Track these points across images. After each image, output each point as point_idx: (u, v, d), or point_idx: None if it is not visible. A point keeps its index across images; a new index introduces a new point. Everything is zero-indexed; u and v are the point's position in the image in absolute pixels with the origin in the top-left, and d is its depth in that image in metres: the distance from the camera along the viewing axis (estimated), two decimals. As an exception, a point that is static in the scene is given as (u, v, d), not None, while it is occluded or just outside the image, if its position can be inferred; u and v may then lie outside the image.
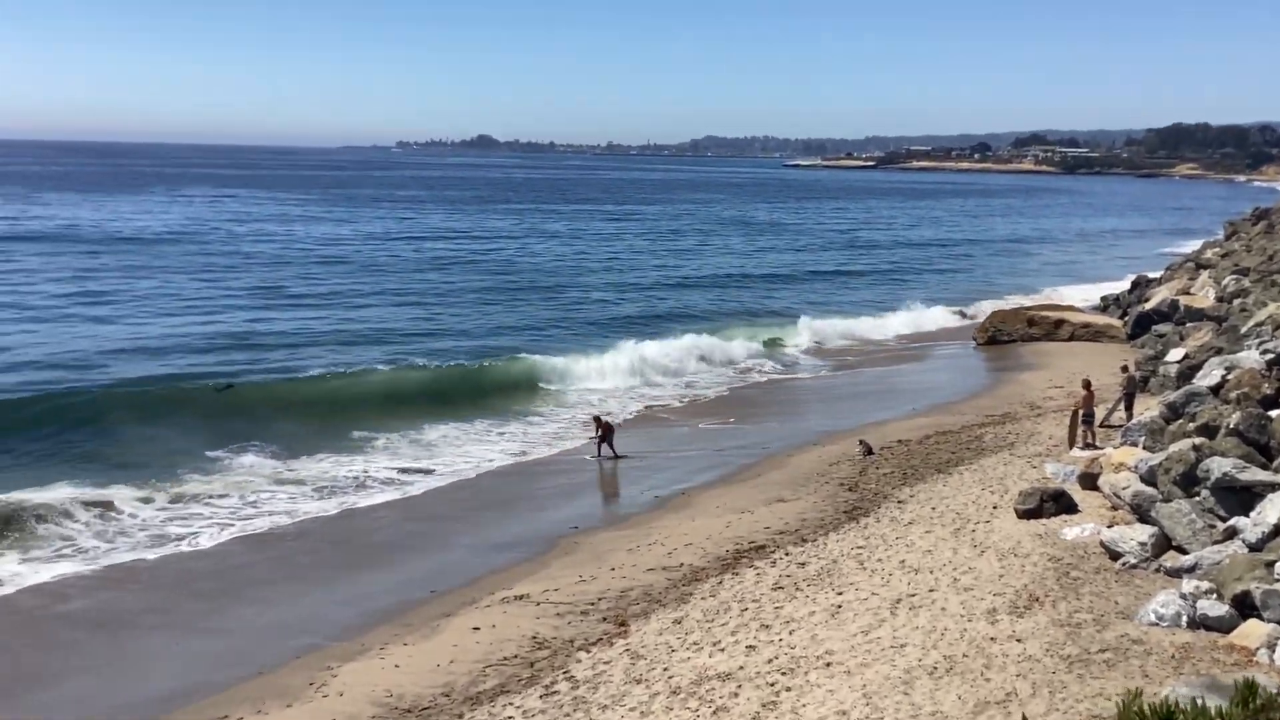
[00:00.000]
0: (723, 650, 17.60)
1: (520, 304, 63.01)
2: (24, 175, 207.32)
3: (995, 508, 23.59)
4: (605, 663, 18.08)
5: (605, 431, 32.81)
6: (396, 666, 19.11)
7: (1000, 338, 52.76)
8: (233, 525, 27.03)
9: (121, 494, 27.92)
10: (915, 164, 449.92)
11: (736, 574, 22.36)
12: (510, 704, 16.87)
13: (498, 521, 28.17)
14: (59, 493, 27.56)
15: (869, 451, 31.77)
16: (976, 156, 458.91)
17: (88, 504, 26.98)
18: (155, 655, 20.44)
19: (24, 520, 25.69)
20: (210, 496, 28.78)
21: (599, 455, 32.73)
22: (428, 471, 31.90)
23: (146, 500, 27.90)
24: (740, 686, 15.86)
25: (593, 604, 21.68)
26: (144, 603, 22.67)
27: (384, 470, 31.65)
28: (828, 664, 16.15)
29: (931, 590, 18.67)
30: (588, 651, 18.97)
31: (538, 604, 21.85)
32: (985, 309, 60.62)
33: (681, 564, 23.71)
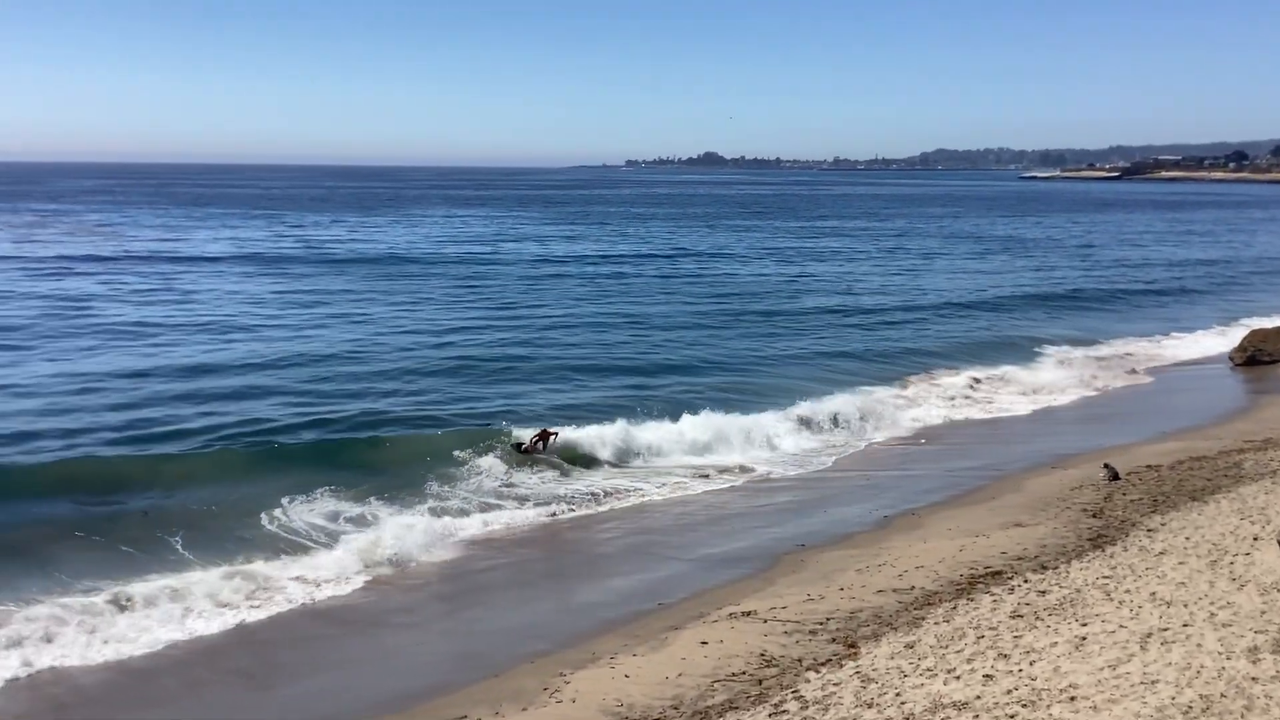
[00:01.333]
0: (958, 678, 17.01)
1: (751, 327, 60.43)
2: (292, 198, 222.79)
3: (1256, 539, 21.95)
4: (835, 684, 17.78)
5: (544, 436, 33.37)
6: (626, 676, 19.37)
7: (1261, 358, 49.29)
8: (465, 531, 28.09)
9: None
10: (1163, 174, 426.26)
11: (971, 599, 21.61)
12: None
13: (721, 536, 28.20)
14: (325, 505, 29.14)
15: (1114, 476, 30.19)
16: (1232, 166, 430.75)
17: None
18: (400, 653, 21.41)
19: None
20: (449, 500, 30.05)
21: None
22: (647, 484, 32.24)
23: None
24: (977, 717, 15.28)
25: (821, 624, 21.40)
26: (394, 603, 23.82)
27: (607, 483, 32.14)
28: (1072, 698, 15.36)
29: (1186, 625, 17.52)
30: (816, 672, 18.71)
31: (765, 621, 21.74)
32: (1245, 328, 56.57)
33: (913, 587, 23.12)
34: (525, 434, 33.49)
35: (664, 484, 32.36)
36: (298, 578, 24.46)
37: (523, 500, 30.43)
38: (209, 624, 22.05)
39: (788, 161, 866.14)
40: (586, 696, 18.60)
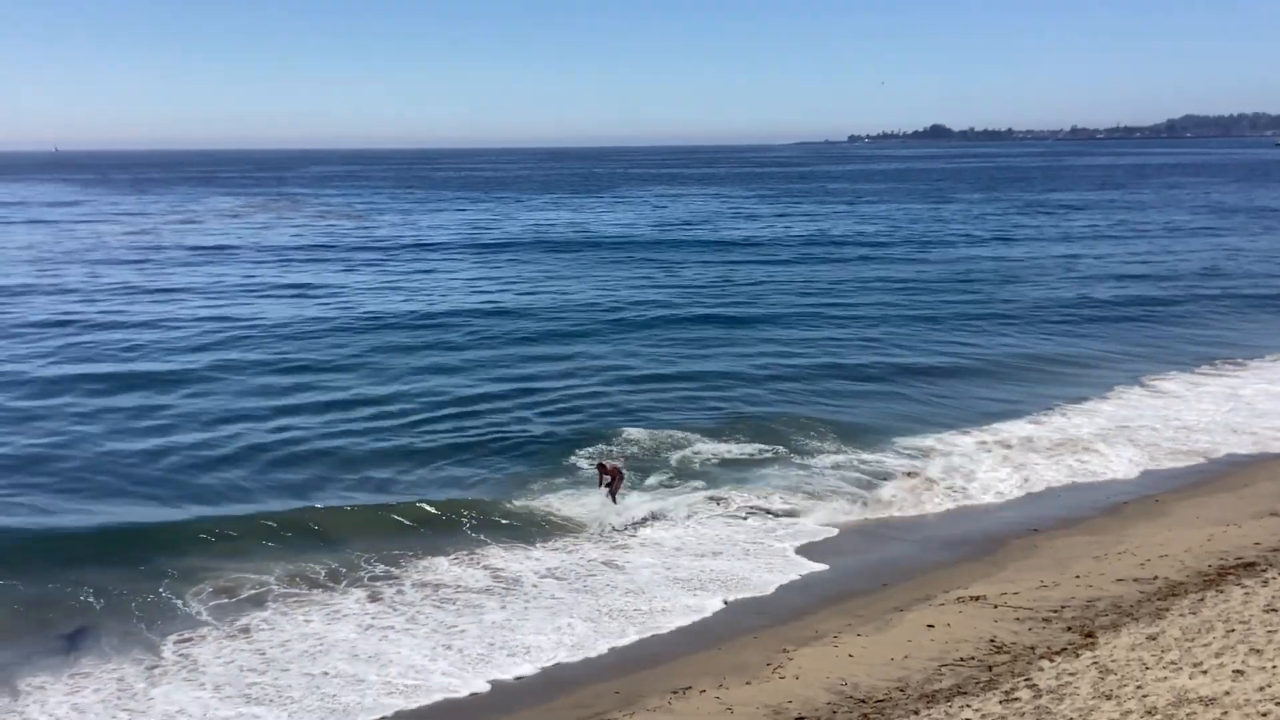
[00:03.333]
0: (1205, 673, 16.13)
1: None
2: (548, 181, 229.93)
3: None
4: (1070, 674, 17.16)
5: (614, 477, 27.86)
6: (850, 656, 19.26)
7: None
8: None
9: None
10: None
11: (1221, 591, 20.42)
12: (967, 706, 16.44)
13: (948, 520, 27.56)
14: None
15: None
16: None
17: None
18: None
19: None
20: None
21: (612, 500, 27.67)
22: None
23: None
24: (1226, 714, 14.46)
25: (1055, 611, 20.68)
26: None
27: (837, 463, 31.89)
28: (1334, 698, 14.37)
29: None
30: (1050, 660, 18.10)
31: (995, 606, 21.18)
32: None
33: (1156, 576, 22.03)
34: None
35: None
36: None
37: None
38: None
39: (1020, 132, 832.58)
40: (810, 674, 18.60)
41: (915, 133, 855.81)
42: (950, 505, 28.37)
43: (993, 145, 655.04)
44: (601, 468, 27.95)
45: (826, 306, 57.72)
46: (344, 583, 23.17)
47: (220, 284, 67.07)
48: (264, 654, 19.95)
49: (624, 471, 28.08)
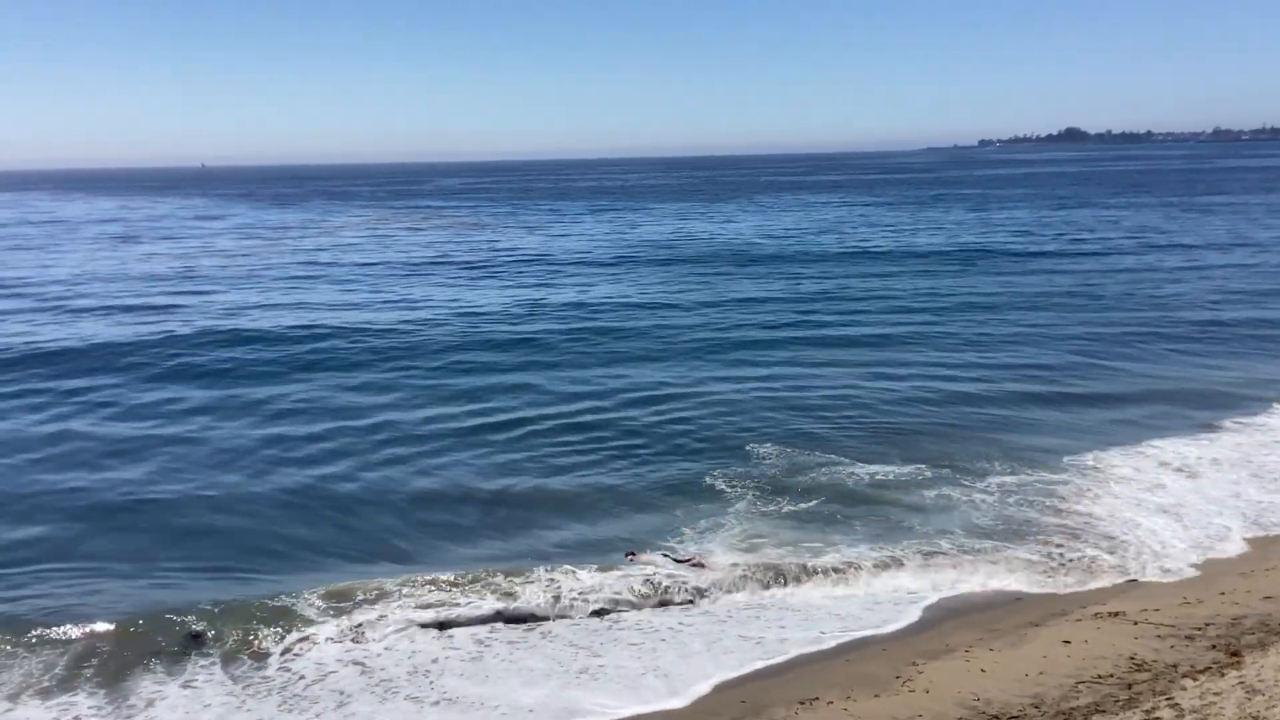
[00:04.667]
0: (1362, 696, 15.43)
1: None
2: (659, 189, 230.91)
3: None
4: (1215, 694, 16.56)
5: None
6: (982, 671, 18.91)
7: None
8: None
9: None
10: None
11: None
12: (1105, 725, 16.03)
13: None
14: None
15: None
16: None
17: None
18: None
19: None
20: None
21: None
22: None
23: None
24: (1385, 740, 13.82)
25: (1199, 629, 19.97)
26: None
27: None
28: None
29: None
30: (1194, 679, 17.49)
31: (1135, 623, 20.55)
32: None
33: (1307, 594, 21.11)
34: None
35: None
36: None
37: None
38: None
39: (1160, 134, 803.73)
40: (940, 688, 18.32)
41: (1049, 136, 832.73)
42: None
43: (1132, 148, 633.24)
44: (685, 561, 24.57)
45: (976, 322, 54.62)
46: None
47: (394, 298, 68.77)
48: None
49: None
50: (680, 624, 21.83)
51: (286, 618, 21.75)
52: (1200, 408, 36.76)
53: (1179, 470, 30.22)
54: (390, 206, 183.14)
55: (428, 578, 23.40)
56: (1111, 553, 24.59)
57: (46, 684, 19.60)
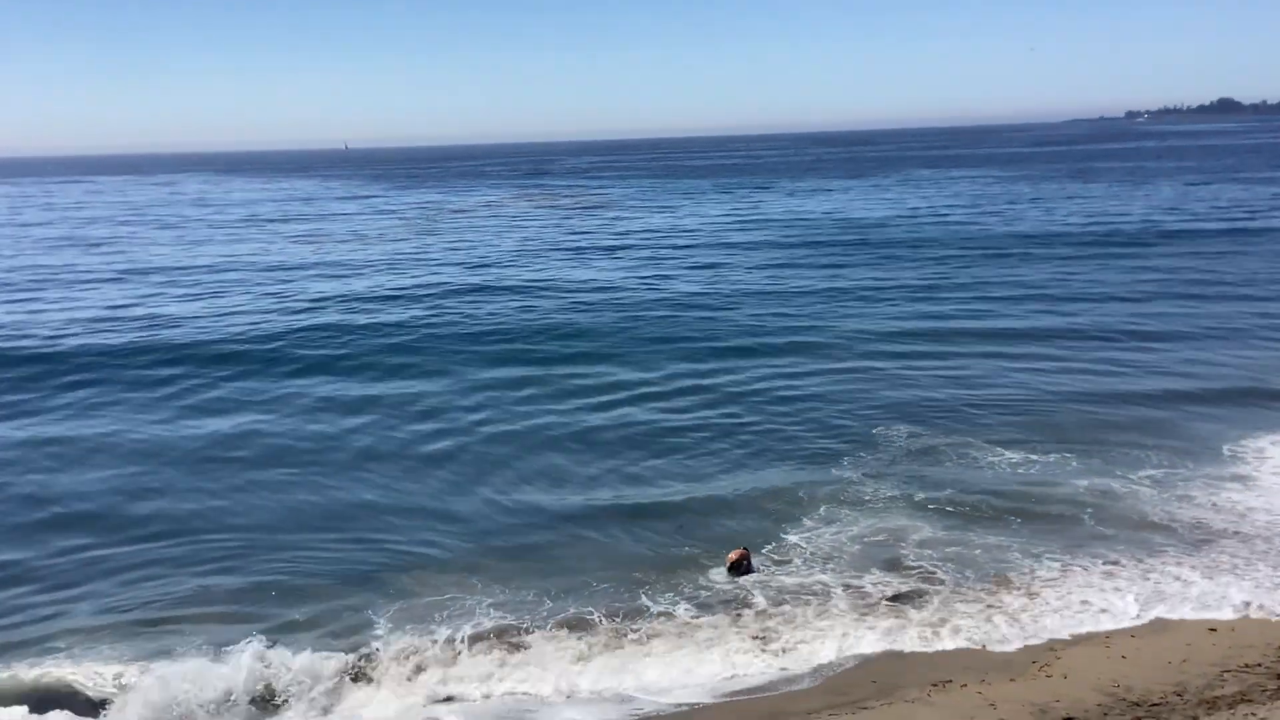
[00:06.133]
0: None
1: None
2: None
3: None
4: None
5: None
6: (1123, 658, 18.61)
7: None
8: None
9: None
10: None
11: None
12: (1253, 715, 15.66)
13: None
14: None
15: None
16: None
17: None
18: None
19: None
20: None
21: None
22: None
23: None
24: None
25: (1353, 618, 19.30)
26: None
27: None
28: None
29: None
30: (1352, 676, 16.98)
31: (1291, 614, 19.95)
32: None
33: None
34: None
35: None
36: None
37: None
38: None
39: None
40: (1079, 674, 18.10)
41: (1200, 107, 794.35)
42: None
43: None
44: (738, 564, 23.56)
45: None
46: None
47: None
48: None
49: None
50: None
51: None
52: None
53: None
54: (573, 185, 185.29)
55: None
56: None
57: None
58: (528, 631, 20.76)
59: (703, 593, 22.39)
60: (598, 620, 21.18)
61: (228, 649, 20.07)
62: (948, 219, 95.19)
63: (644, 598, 22.18)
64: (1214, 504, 25.69)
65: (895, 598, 21.64)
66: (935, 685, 18.17)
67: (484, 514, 27.37)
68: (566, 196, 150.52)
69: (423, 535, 26.01)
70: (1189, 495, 26.31)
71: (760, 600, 21.88)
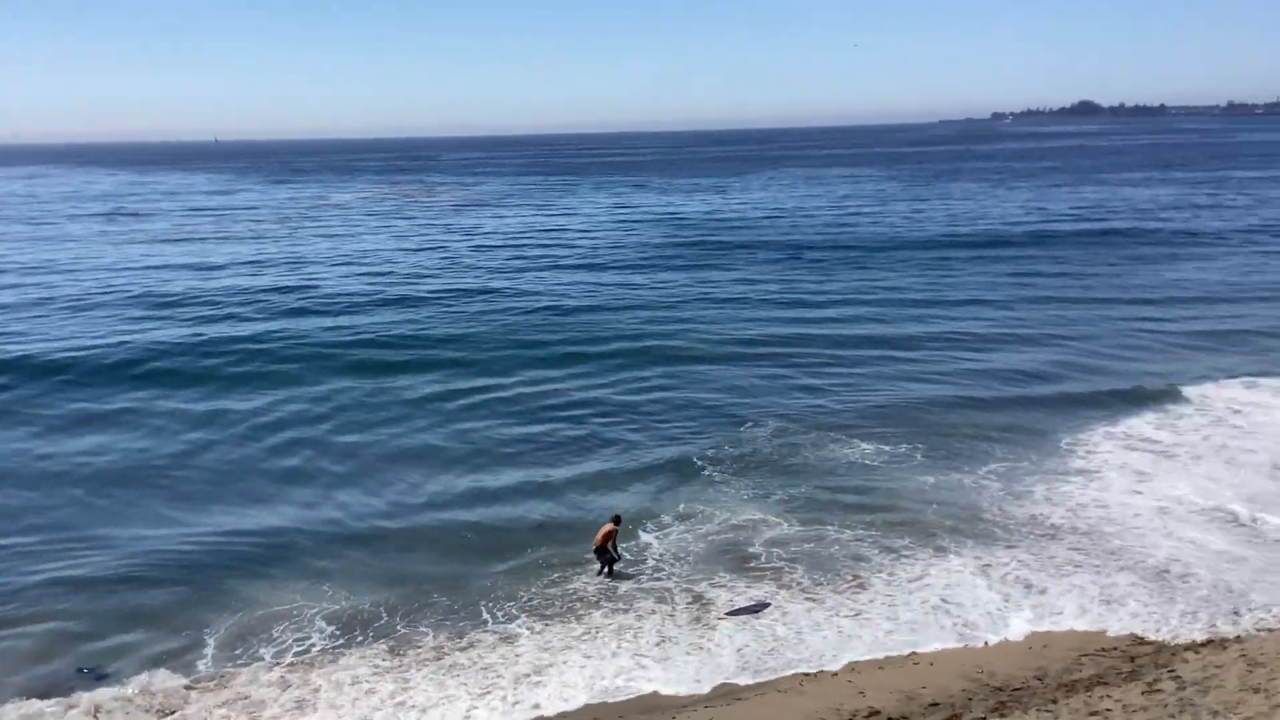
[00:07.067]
0: (1364, 669, 15.54)
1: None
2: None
3: None
4: (1217, 666, 16.70)
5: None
6: (986, 644, 19.08)
7: None
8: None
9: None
10: None
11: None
12: (1108, 696, 16.14)
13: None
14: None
15: None
16: None
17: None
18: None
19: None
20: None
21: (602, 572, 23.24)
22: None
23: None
24: (1385, 711, 13.92)
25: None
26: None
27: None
28: None
29: None
30: (1196, 653, 17.66)
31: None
32: None
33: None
34: None
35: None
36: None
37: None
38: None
39: (1174, 108, 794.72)
40: (945, 661, 18.50)
41: (1062, 109, 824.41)
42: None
43: (1149, 121, 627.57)
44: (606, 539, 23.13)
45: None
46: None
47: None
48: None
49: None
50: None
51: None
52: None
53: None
54: (397, 180, 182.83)
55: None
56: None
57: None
58: (350, 651, 19.89)
59: (546, 601, 21.89)
60: (427, 635, 20.50)
61: (53, 679, 19.27)
62: (818, 219, 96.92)
63: (484, 609, 21.58)
64: (1050, 499, 26.45)
65: (735, 612, 20.93)
66: (807, 675, 18.36)
67: (334, 521, 26.77)
68: (444, 192, 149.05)
69: (273, 545, 25.25)
70: (1029, 491, 27.07)
71: (598, 618, 20.98)
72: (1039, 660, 18.20)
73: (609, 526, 23.08)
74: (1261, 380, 36.76)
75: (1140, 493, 26.61)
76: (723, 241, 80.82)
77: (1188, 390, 35.46)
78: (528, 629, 20.71)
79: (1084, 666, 17.74)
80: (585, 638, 20.26)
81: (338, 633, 20.70)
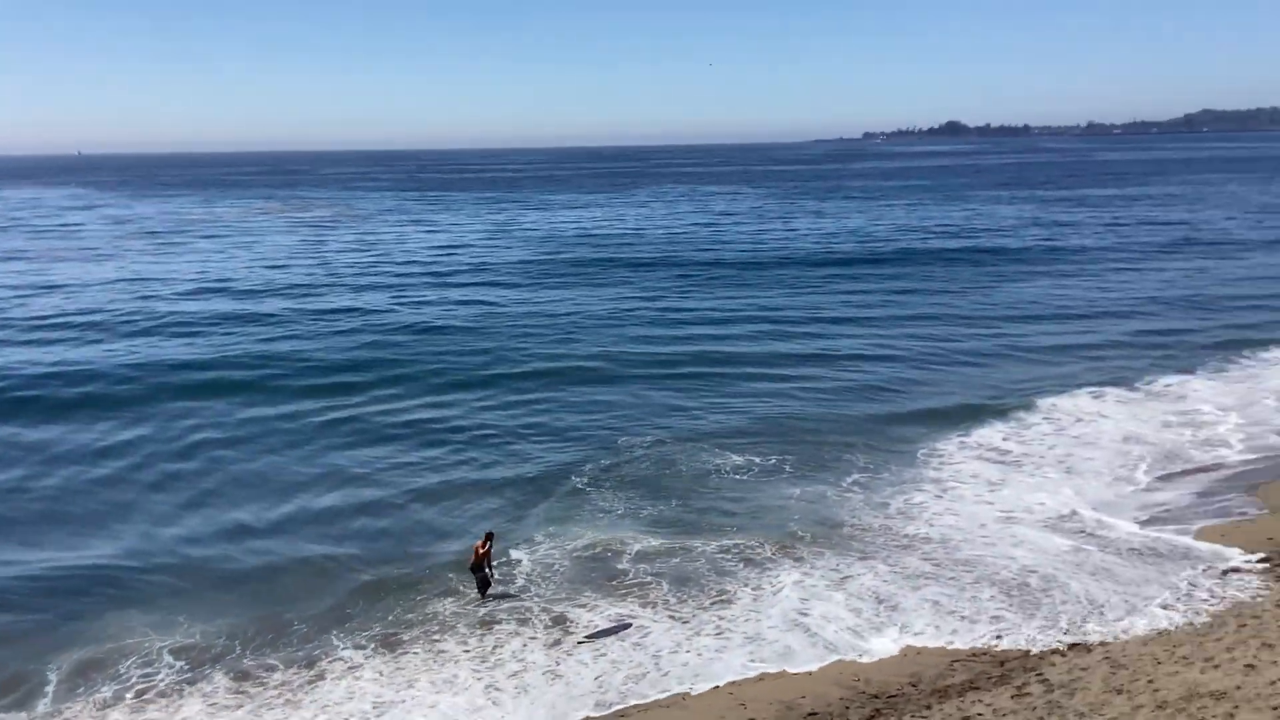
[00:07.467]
0: (1217, 667, 16.21)
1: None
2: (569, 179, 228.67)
3: None
4: (1082, 669, 17.26)
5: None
6: (860, 657, 19.36)
7: None
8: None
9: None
10: None
11: (1235, 587, 20.51)
12: (979, 701, 16.55)
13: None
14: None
15: None
16: None
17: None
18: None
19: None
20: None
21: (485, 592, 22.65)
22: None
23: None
24: (1237, 708, 14.53)
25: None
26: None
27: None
28: (1346, 693, 14.40)
29: None
30: (1063, 656, 18.21)
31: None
32: None
33: (1169, 572, 22.06)
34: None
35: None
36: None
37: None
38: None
39: (1037, 128, 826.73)
40: (823, 670, 18.69)
41: (931, 129, 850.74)
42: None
43: (1012, 141, 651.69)
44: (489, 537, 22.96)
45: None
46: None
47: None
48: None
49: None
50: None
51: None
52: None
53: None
54: (276, 195, 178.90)
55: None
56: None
57: None
58: (194, 689, 19.04)
59: (404, 627, 21.27)
60: (275, 669, 19.64)
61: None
62: (697, 236, 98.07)
63: (336, 637, 20.82)
64: (905, 511, 26.83)
65: (594, 635, 20.47)
66: (688, 691, 18.35)
67: (187, 549, 25.83)
68: (319, 208, 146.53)
69: (120, 577, 24.25)
70: (886, 502, 27.49)
71: (453, 645, 20.34)
72: (913, 667, 18.54)
73: (481, 544, 22.58)
74: (1108, 390, 38.21)
75: (990, 502, 27.20)
76: (601, 259, 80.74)
77: (1040, 401, 36.82)
78: (380, 659, 19.98)
79: (956, 672, 18.12)
80: (438, 667, 19.51)
81: (186, 667, 19.81)
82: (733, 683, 18.45)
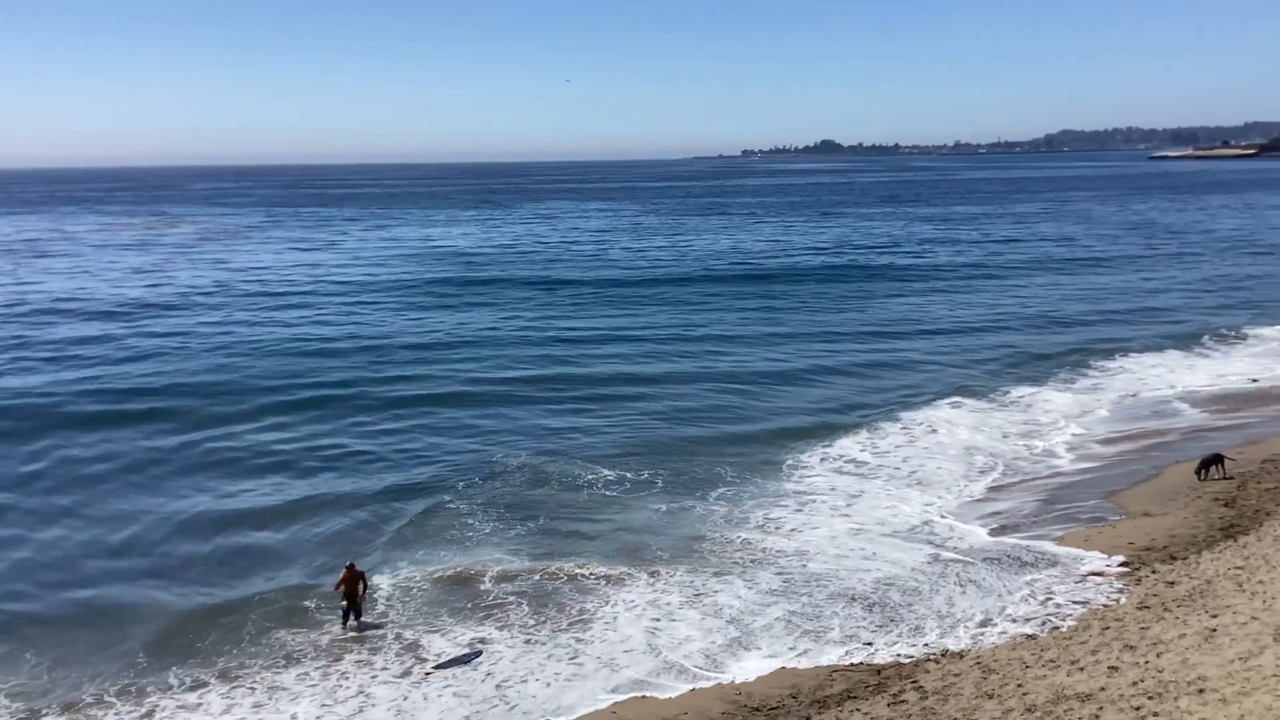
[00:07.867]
0: (1082, 669, 16.78)
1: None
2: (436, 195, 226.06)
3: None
4: (955, 675, 17.69)
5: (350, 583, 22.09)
6: (742, 667, 19.55)
7: None
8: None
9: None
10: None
11: (1096, 591, 21.28)
12: (857, 710, 16.84)
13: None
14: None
15: (1211, 465, 29.04)
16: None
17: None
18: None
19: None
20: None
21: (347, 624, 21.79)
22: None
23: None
24: (1102, 709, 15.06)
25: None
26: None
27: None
28: (1200, 690, 15.04)
29: (1324, 617, 16.94)
30: (936, 662, 18.66)
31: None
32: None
33: (1035, 578, 22.81)
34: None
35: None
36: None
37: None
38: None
39: (907, 147, 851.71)
40: (704, 687, 18.80)
41: (806, 147, 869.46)
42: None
43: (884, 159, 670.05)
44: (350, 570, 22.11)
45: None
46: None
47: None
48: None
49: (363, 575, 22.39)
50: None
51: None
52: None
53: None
54: (138, 212, 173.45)
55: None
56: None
57: None
58: None
59: (248, 659, 20.35)
60: (112, 706, 18.64)
61: None
62: (577, 253, 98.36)
63: (174, 674, 19.71)
64: (764, 525, 27.05)
65: (445, 665, 19.81)
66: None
67: (32, 584, 24.45)
68: (188, 224, 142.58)
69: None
70: (747, 517, 27.73)
71: (291, 680, 19.48)
72: (793, 679, 18.76)
73: (345, 573, 21.86)
74: (966, 401, 39.92)
75: (846, 515, 27.67)
76: (479, 278, 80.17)
77: (902, 414, 38.14)
78: (216, 693, 19.01)
79: (835, 682, 18.41)
80: (274, 706, 18.56)
81: (21, 710, 18.72)
82: (617, 702, 18.44)
